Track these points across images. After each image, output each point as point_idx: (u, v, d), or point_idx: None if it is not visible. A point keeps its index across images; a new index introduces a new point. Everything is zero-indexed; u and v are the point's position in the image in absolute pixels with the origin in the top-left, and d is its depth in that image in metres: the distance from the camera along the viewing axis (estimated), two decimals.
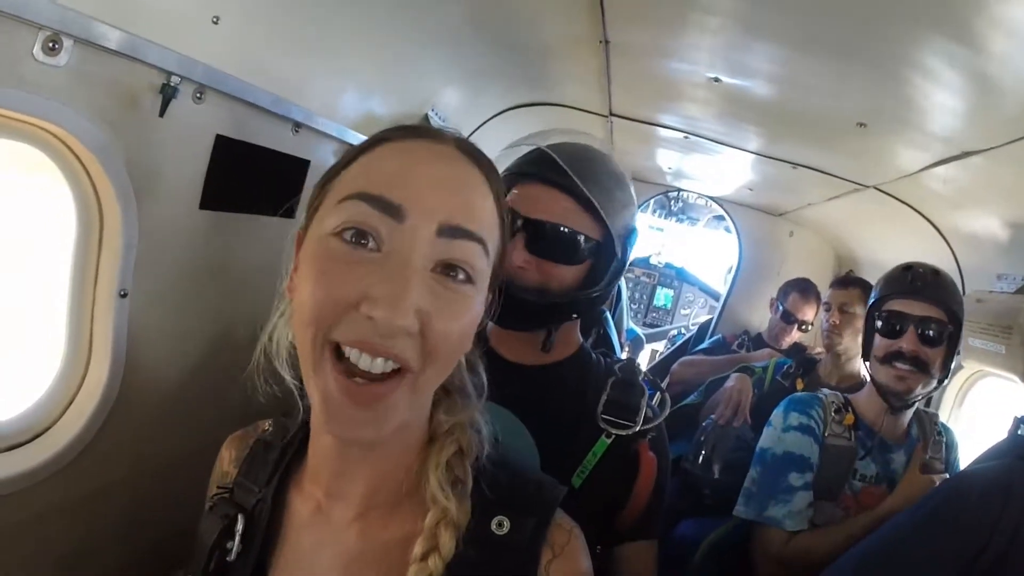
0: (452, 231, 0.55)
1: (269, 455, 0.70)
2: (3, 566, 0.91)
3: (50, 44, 0.77)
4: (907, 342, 1.43)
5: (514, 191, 0.98)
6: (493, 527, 0.62)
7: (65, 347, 0.98)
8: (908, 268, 1.51)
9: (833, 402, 1.56)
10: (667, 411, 1.07)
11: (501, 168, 1.05)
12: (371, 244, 0.54)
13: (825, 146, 2.03)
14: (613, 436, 1.00)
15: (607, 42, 1.58)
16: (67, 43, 0.79)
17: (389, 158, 0.59)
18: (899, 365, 1.43)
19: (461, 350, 0.60)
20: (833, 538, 1.36)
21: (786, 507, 1.44)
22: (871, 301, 1.56)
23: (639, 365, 1.13)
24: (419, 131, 0.62)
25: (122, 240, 0.97)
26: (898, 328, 1.45)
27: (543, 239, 0.98)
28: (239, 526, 0.65)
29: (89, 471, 0.99)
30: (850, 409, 1.54)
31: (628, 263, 1.09)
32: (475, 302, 0.58)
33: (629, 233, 1.06)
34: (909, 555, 1.08)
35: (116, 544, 1.10)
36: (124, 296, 0.98)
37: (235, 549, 0.65)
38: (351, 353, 0.53)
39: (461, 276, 0.56)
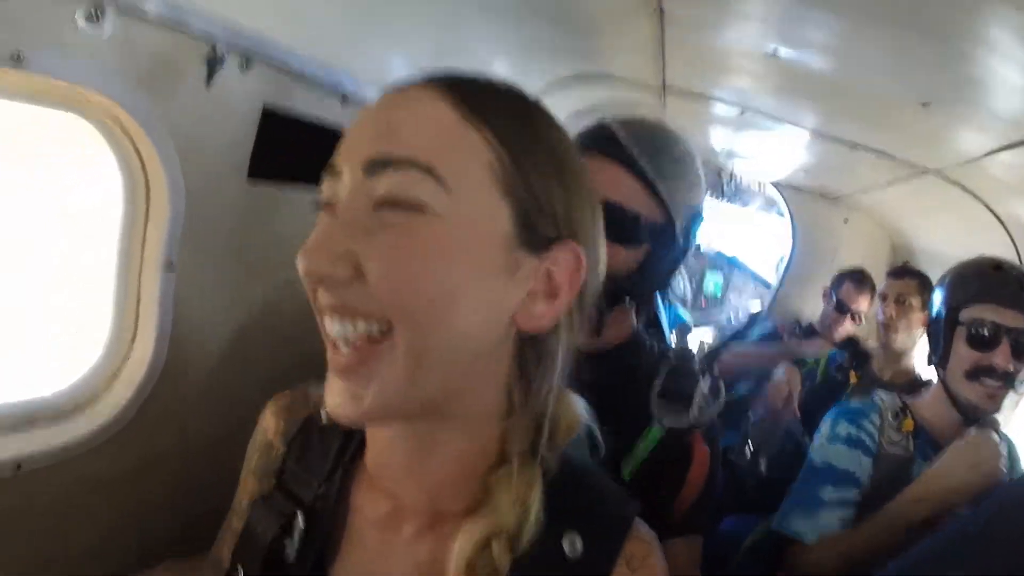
0: (374, 165, 0.48)
1: (328, 443, 0.62)
2: (53, 534, 0.93)
3: (93, 12, 0.76)
4: (1001, 357, 1.27)
5: None
6: (565, 547, 0.54)
7: (112, 319, 0.98)
8: (999, 268, 1.34)
9: (891, 407, 1.43)
10: (722, 401, 1.02)
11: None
12: (333, 211, 0.50)
13: (885, 126, 1.91)
14: (666, 426, 0.95)
15: (662, 10, 1.50)
16: (110, 11, 0.77)
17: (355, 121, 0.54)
18: (989, 382, 1.28)
19: (447, 302, 0.48)
20: (848, 544, 1.26)
21: (809, 521, 1.34)
22: (947, 301, 1.38)
23: (694, 353, 1.07)
24: (402, 82, 0.53)
25: (169, 212, 0.96)
26: (990, 339, 1.29)
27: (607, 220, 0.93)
28: (299, 525, 0.58)
29: (136, 443, 1.00)
30: (909, 414, 1.41)
31: (691, 249, 1.02)
32: (437, 234, 0.47)
33: (694, 217, 0.99)
34: (960, 565, 1.00)
35: (163, 515, 1.11)
36: (171, 268, 0.98)
37: (295, 550, 0.58)
38: (324, 321, 0.50)
39: (400, 210, 0.47)
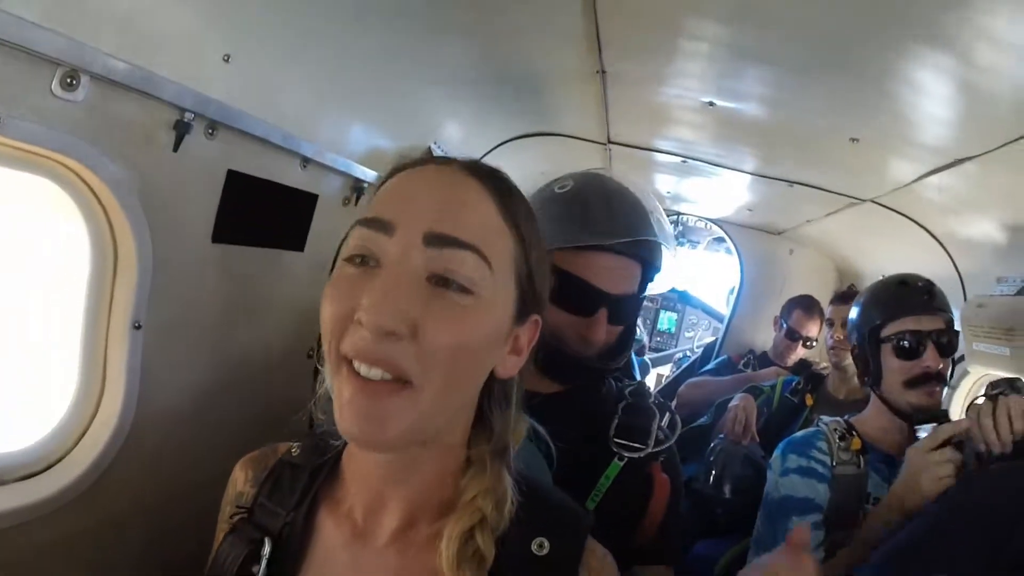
0: (438, 239, 0.56)
1: (297, 478, 0.69)
2: None
3: (68, 80, 0.80)
4: (931, 360, 1.36)
5: (582, 257, 1.00)
6: (534, 548, 0.61)
7: (79, 377, 0.99)
8: (904, 283, 1.46)
9: (836, 429, 1.47)
10: (678, 432, 1.08)
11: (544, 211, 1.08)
12: (372, 263, 0.57)
13: (820, 163, 2.05)
14: (625, 459, 1.01)
15: (603, 72, 1.62)
16: (84, 79, 0.82)
17: (394, 185, 0.62)
18: (927, 386, 1.35)
19: (469, 367, 0.58)
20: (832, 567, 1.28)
21: None
22: (866, 325, 1.47)
23: (649, 388, 1.14)
24: (429, 159, 0.64)
25: (136, 272, 0.99)
26: (915, 347, 1.37)
27: (621, 310, 1.02)
28: (266, 550, 0.64)
29: (104, 500, 0.99)
30: (855, 433, 1.47)
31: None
32: (480, 315, 0.57)
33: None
34: (933, 549, 1.06)
35: (131, 572, 1.09)
36: (138, 328, 1.00)
37: (261, 574, 0.63)
38: (356, 364, 0.55)
39: (455, 286, 0.56)
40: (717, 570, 1.71)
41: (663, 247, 1.07)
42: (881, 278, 1.57)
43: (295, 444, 0.72)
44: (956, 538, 1.04)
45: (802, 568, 0.70)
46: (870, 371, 1.47)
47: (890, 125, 1.51)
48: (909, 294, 1.43)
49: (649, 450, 1.01)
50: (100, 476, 0.97)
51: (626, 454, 1.01)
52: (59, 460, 0.95)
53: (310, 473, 0.69)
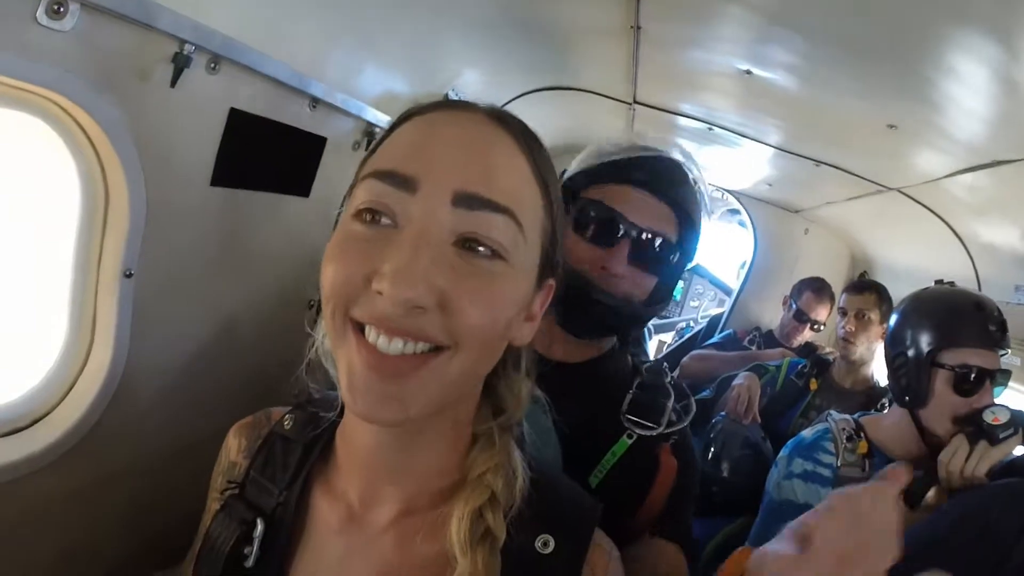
0: (469, 200, 0.50)
1: (290, 452, 0.65)
2: (5, 556, 0.88)
3: (55, 7, 0.73)
4: (986, 400, 1.23)
5: (609, 188, 0.95)
6: (538, 546, 0.58)
7: (67, 329, 0.94)
8: (980, 307, 1.28)
9: (844, 429, 1.40)
10: (692, 416, 1.05)
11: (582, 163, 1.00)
12: (387, 222, 0.50)
13: (851, 145, 1.97)
14: (635, 437, 0.98)
15: (639, 28, 1.52)
16: (73, 6, 0.74)
17: (410, 132, 0.55)
18: (972, 424, 1.22)
19: (498, 336, 0.54)
20: None
21: None
22: (923, 341, 1.31)
23: (666, 368, 1.10)
24: (446, 104, 0.57)
25: (128, 218, 0.92)
26: (976, 384, 1.23)
27: (646, 250, 0.96)
28: (258, 531, 0.61)
29: (91, 458, 0.96)
30: (863, 435, 1.40)
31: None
32: (510, 282, 0.53)
33: (697, 237, 1.04)
34: (933, 560, 1.05)
35: (119, 533, 1.07)
36: (129, 276, 0.94)
37: (253, 556, 0.60)
38: (370, 333, 0.49)
39: (486, 251, 0.50)
40: (707, 550, 1.71)
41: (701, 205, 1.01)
42: (939, 286, 1.43)
43: (288, 414, 0.68)
44: (960, 550, 1.03)
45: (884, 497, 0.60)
46: (913, 391, 1.33)
47: (929, 115, 1.42)
48: (983, 322, 1.27)
49: (661, 430, 0.98)
50: (89, 432, 0.94)
51: (637, 431, 0.98)
52: (46, 415, 0.92)
53: (303, 449, 0.65)
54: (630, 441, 0.98)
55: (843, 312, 2.24)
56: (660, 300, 1.01)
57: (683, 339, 3.67)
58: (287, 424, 0.67)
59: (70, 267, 0.92)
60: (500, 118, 0.55)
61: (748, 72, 1.61)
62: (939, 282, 1.46)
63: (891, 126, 1.57)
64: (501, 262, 0.51)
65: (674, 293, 1.12)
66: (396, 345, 0.49)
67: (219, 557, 0.60)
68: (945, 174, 1.73)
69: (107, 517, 1.04)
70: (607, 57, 1.82)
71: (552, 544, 0.58)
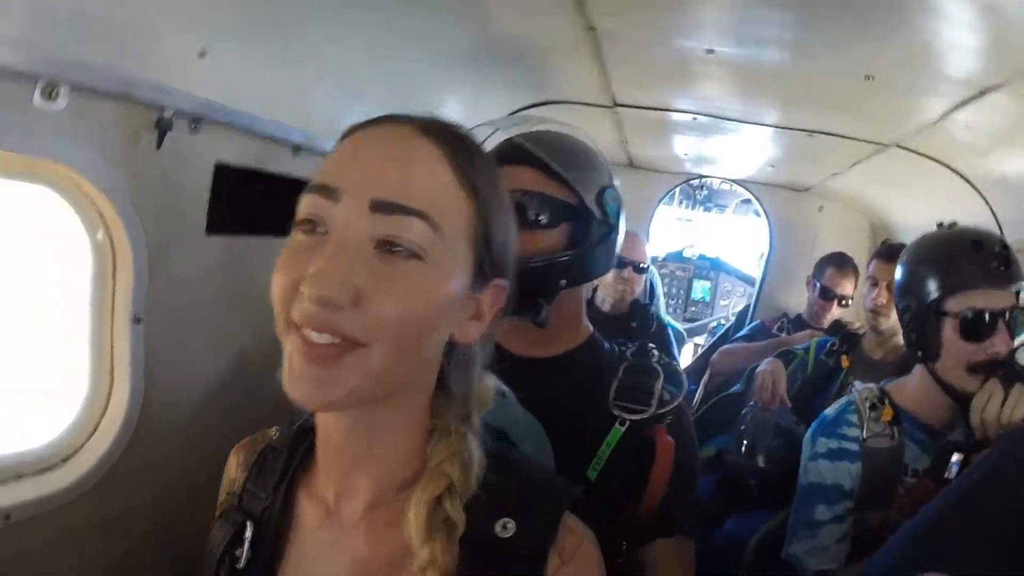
0: (385, 206, 0.55)
1: (277, 460, 0.70)
2: None
3: (48, 91, 0.82)
4: (1000, 344, 1.17)
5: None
6: (497, 529, 0.60)
7: (89, 373, 1.04)
8: (979, 245, 1.21)
9: (867, 398, 1.34)
10: (684, 390, 1.04)
11: None
12: (323, 230, 0.56)
13: (836, 107, 1.93)
14: (627, 423, 0.97)
15: (594, 29, 1.55)
16: (63, 89, 0.84)
17: (342, 148, 0.61)
18: (992, 372, 1.17)
19: (417, 332, 0.57)
20: None
21: (809, 543, 1.31)
22: (925, 290, 1.24)
23: (653, 348, 1.09)
24: (381, 119, 0.62)
25: (133, 268, 1.02)
26: (987, 328, 1.17)
27: (524, 212, 0.96)
28: (248, 533, 0.66)
29: (117, 491, 1.04)
30: (887, 401, 1.33)
31: (617, 224, 1.05)
32: (428, 281, 0.56)
33: (603, 191, 1.02)
34: (960, 525, 0.98)
35: (148, 560, 1.14)
36: (139, 322, 1.04)
37: (244, 557, 0.65)
38: (305, 331, 0.55)
39: (402, 252, 0.55)
40: (749, 548, 1.64)
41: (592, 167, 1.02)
42: (940, 227, 1.36)
43: (277, 428, 0.74)
44: (987, 506, 0.97)
45: None
46: (923, 344, 1.27)
47: (905, 57, 1.40)
48: (983, 261, 1.20)
49: (652, 411, 0.97)
50: (113, 467, 1.02)
51: (628, 417, 0.97)
52: (74, 454, 1.01)
53: (287, 455, 0.70)
54: (623, 428, 0.97)
55: (874, 282, 2.13)
56: (578, 254, 0.99)
57: (715, 338, 3.61)
58: (274, 435, 0.73)
59: (87, 317, 1.03)
60: (425, 126, 0.60)
61: (718, 52, 1.61)
62: (940, 225, 1.39)
63: (868, 76, 1.53)
64: (417, 261, 0.55)
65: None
66: (324, 337, 0.54)
67: (214, 560, 0.66)
68: (937, 117, 1.69)
69: (136, 545, 1.11)
70: (575, 64, 1.87)
71: (513, 527, 0.60)
